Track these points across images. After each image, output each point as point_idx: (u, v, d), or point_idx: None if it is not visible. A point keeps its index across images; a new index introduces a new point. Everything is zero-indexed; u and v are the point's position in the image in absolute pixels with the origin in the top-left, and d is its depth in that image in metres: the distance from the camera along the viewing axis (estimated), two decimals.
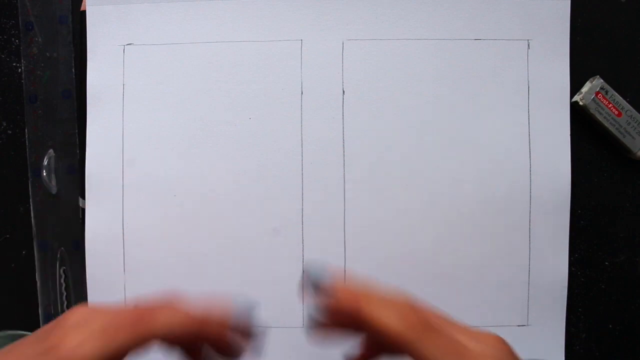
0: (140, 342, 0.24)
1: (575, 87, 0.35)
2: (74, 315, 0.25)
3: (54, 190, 0.37)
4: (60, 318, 0.25)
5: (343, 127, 0.35)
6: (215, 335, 0.26)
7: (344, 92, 0.35)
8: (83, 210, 0.36)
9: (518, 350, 0.35)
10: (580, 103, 0.35)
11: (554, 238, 0.35)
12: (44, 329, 0.25)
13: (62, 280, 0.37)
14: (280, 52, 0.35)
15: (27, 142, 0.37)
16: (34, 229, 0.37)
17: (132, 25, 0.36)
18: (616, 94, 0.35)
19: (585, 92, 0.35)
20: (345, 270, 0.35)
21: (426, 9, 0.35)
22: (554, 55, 0.35)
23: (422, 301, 0.25)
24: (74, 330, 0.24)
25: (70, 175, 0.37)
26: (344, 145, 0.35)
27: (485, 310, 0.35)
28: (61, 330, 0.24)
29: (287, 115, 0.35)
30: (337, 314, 0.24)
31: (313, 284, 0.26)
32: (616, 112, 0.35)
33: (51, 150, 0.37)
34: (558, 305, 0.35)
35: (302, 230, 0.35)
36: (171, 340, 0.25)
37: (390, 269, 0.35)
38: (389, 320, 0.23)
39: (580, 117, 0.35)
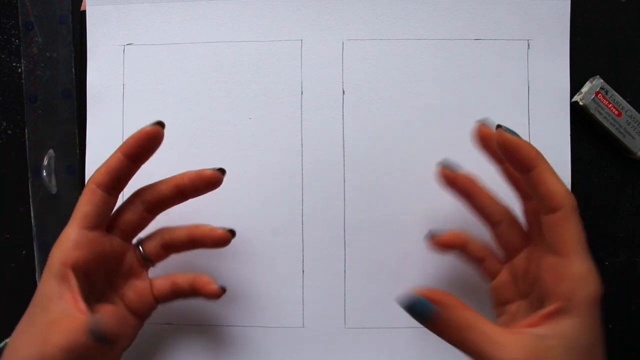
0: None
1: (575, 87, 0.35)
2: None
3: (54, 190, 0.37)
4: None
5: (343, 127, 0.35)
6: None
7: (344, 92, 0.35)
8: None
9: None
10: (580, 103, 0.35)
11: None
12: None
13: None
14: (280, 52, 0.35)
15: (27, 142, 0.37)
16: (34, 229, 0.37)
17: (132, 25, 0.36)
18: (616, 94, 0.35)
19: (585, 92, 0.35)
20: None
21: (426, 9, 0.35)
22: (554, 55, 0.35)
23: None
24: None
25: (70, 175, 0.37)
26: (344, 145, 0.35)
27: (485, 310, 0.35)
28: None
29: (287, 115, 0.35)
30: (512, 153, 0.27)
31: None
32: (616, 112, 0.35)
33: (51, 151, 0.37)
34: None
35: (302, 230, 0.35)
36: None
37: (391, 269, 0.35)
38: (556, 187, 0.26)
39: (580, 117, 0.35)
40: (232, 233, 0.32)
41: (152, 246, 0.32)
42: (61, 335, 0.25)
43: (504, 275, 0.30)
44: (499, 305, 0.31)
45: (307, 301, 0.35)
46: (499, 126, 0.27)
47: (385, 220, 0.35)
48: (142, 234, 0.32)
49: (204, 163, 0.35)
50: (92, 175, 0.28)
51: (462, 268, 0.35)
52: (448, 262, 0.35)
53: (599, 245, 0.36)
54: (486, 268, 0.31)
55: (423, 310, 0.25)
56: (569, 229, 0.26)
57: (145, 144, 0.28)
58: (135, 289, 0.31)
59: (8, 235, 0.37)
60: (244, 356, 0.35)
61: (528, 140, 0.35)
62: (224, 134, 0.35)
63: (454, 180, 0.31)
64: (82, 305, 0.27)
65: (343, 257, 0.35)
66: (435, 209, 0.35)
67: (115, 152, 0.29)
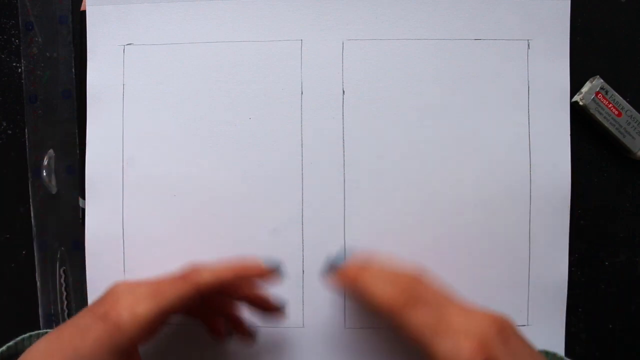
0: (186, 296, 0.27)
1: (575, 87, 0.35)
2: (120, 286, 0.28)
3: (54, 190, 0.37)
4: (108, 290, 0.28)
5: (343, 127, 0.35)
6: (252, 282, 0.30)
7: (344, 92, 0.35)
8: (83, 210, 0.36)
9: None
10: (580, 103, 0.35)
11: (554, 238, 0.35)
12: (95, 302, 0.28)
13: (62, 280, 0.37)
14: (280, 52, 0.35)
15: (27, 142, 0.37)
16: (34, 229, 0.37)
17: (132, 25, 0.36)
18: (616, 94, 0.35)
19: (585, 92, 0.35)
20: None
21: (426, 9, 0.35)
22: (554, 55, 0.35)
23: (431, 276, 0.27)
24: (124, 296, 0.27)
25: (70, 175, 0.37)
26: (344, 145, 0.35)
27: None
28: (112, 297, 0.27)
29: (287, 115, 0.35)
30: (343, 287, 0.27)
31: (330, 266, 0.29)
32: (616, 112, 0.35)
33: (51, 151, 0.37)
34: (558, 305, 0.35)
35: (302, 230, 0.35)
36: (212, 289, 0.28)
37: None
38: (380, 292, 0.25)
39: (580, 117, 0.35)
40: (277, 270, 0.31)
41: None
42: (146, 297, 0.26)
43: None
44: None
45: (307, 301, 0.35)
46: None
47: (385, 221, 0.35)
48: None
49: (204, 163, 0.35)
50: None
51: (462, 268, 0.35)
52: (448, 261, 0.35)
53: (599, 245, 0.36)
54: None
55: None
56: (412, 322, 0.25)
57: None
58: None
59: (8, 235, 0.37)
60: (244, 356, 0.35)
61: (528, 140, 0.35)
62: (224, 134, 0.35)
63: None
64: None
65: (343, 257, 0.35)
66: (435, 209, 0.35)
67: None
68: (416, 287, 0.26)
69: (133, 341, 0.26)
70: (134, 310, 0.26)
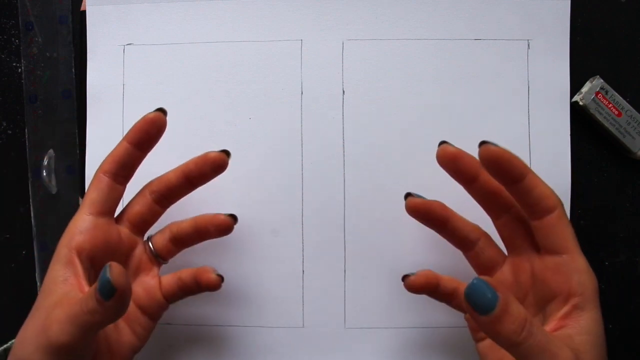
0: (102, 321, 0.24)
1: (575, 87, 0.35)
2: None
3: (54, 190, 0.37)
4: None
5: (343, 127, 0.35)
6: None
7: (344, 92, 0.35)
8: None
9: None
10: (580, 103, 0.35)
11: None
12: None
13: None
14: (280, 52, 0.35)
15: (27, 142, 0.37)
16: (34, 229, 0.37)
17: (132, 25, 0.36)
18: (616, 94, 0.35)
19: (585, 92, 0.35)
20: None
21: (426, 9, 0.35)
22: (554, 55, 0.35)
23: None
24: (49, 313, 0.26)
25: (70, 175, 0.37)
26: (344, 145, 0.35)
27: None
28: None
29: (287, 115, 0.35)
30: (503, 166, 0.26)
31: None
32: (616, 112, 0.35)
33: (51, 151, 0.37)
34: None
35: (302, 230, 0.35)
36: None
37: (391, 269, 0.35)
38: (548, 188, 0.27)
39: (580, 117, 0.35)
40: (233, 218, 0.32)
41: (161, 241, 0.32)
42: (63, 309, 0.25)
43: None
44: None
45: (307, 301, 0.35)
46: (484, 142, 0.27)
47: (385, 220, 0.35)
48: (153, 231, 0.32)
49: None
50: (100, 164, 0.29)
51: (463, 268, 0.35)
52: (448, 261, 0.35)
53: (599, 245, 0.36)
54: (460, 300, 0.31)
55: (486, 301, 0.22)
56: (566, 227, 0.27)
57: (149, 130, 0.29)
58: (144, 286, 0.31)
59: (8, 235, 0.37)
60: (244, 356, 0.35)
61: (528, 140, 0.35)
62: (224, 134, 0.35)
63: (429, 211, 0.30)
64: (85, 287, 0.26)
65: (343, 257, 0.35)
66: None
67: (121, 140, 0.29)
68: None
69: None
70: (50, 336, 0.25)
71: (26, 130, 0.37)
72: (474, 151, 0.35)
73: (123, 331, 0.30)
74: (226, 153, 0.30)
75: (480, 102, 0.35)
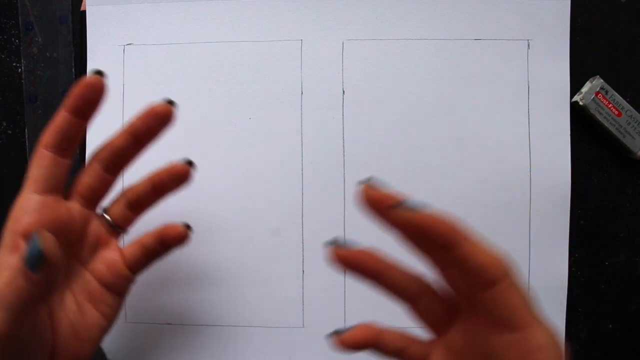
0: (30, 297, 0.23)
1: (575, 87, 0.35)
2: None
3: None
4: None
5: (343, 127, 0.35)
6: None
7: (344, 92, 0.35)
8: None
9: None
10: (580, 103, 0.35)
11: (554, 238, 0.35)
12: None
13: None
14: (280, 52, 0.35)
15: (27, 142, 0.37)
16: None
17: (132, 25, 0.36)
18: (616, 94, 0.35)
19: (585, 92, 0.35)
20: None
21: (426, 9, 0.35)
22: (554, 55, 0.35)
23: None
24: None
25: (70, 176, 0.37)
26: (344, 145, 0.35)
27: None
28: None
29: (287, 115, 0.35)
30: (430, 233, 0.22)
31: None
32: (616, 112, 0.35)
33: None
34: (558, 305, 0.35)
35: (302, 230, 0.35)
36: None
37: None
38: (484, 253, 0.22)
39: (580, 117, 0.35)
40: (190, 164, 0.29)
41: (117, 210, 0.29)
42: None
43: (438, 357, 0.25)
44: None
45: (307, 301, 0.35)
46: (397, 204, 0.22)
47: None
48: (106, 203, 0.30)
49: (204, 163, 0.35)
50: (39, 138, 0.26)
51: None
52: None
53: (599, 245, 0.36)
54: (410, 356, 0.26)
55: None
56: (515, 300, 0.22)
57: (86, 95, 0.26)
58: (105, 261, 0.29)
59: None
60: (244, 356, 0.35)
61: (528, 140, 0.35)
62: (224, 134, 0.35)
63: (357, 263, 0.25)
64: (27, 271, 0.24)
65: None
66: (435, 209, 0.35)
67: (59, 110, 0.26)
68: (512, 268, 0.23)
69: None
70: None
71: (26, 130, 0.37)
72: (473, 151, 0.35)
73: (88, 313, 0.28)
74: (171, 103, 0.28)
75: (480, 102, 0.35)
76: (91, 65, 0.36)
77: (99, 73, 0.26)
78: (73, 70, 0.37)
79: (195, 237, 0.35)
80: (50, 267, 0.22)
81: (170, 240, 0.29)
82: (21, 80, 0.37)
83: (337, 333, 0.26)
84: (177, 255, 0.34)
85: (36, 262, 0.21)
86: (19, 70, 0.37)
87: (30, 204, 0.26)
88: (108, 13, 0.36)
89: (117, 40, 0.36)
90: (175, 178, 0.29)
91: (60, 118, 0.26)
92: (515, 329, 0.22)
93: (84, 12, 0.36)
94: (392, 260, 0.25)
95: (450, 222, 0.22)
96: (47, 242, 0.21)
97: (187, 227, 0.29)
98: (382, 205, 0.23)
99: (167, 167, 0.29)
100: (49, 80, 0.37)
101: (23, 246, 0.24)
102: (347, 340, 0.25)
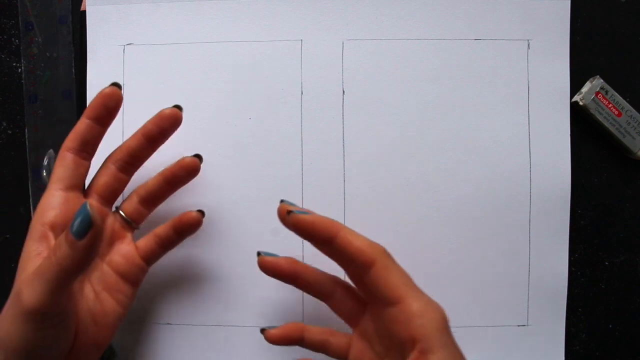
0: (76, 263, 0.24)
1: (575, 87, 0.35)
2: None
3: None
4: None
5: (343, 127, 0.35)
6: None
7: (344, 92, 0.35)
8: None
9: (518, 350, 0.35)
10: (580, 103, 0.35)
11: (554, 238, 0.35)
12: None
13: None
14: (280, 52, 0.35)
15: (27, 142, 0.37)
16: None
17: (132, 25, 0.36)
18: (616, 94, 0.35)
19: (585, 92, 0.35)
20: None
21: (426, 9, 0.35)
22: (554, 55, 0.35)
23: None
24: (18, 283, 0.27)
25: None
26: (344, 145, 0.35)
27: (485, 310, 0.35)
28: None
29: (287, 115, 0.35)
30: (308, 232, 0.28)
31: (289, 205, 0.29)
32: (616, 112, 0.35)
33: (51, 150, 0.37)
34: (558, 305, 0.35)
35: None
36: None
37: None
38: (358, 241, 0.27)
39: (580, 117, 0.35)
40: (199, 157, 0.32)
41: (130, 206, 0.32)
42: (32, 271, 0.25)
43: (357, 345, 0.30)
44: None
45: (307, 301, 0.35)
46: (289, 212, 0.28)
47: (385, 220, 0.35)
48: (119, 202, 0.33)
49: (203, 163, 0.35)
50: (64, 142, 0.30)
51: (462, 268, 0.35)
52: (448, 261, 0.35)
53: (599, 245, 0.36)
54: (335, 349, 0.30)
55: None
56: (390, 276, 0.27)
57: (106, 104, 0.29)
58: (122, 253, 0.31)
59: (8, 235, 0.37)
60: (244, 356, 0.35)
61: (528, 140, 0.35)
62: (224, 134, 0.35)
63: (276, 268, 0.30)
64: None
65: None
66: (435, 209, 0.35)
67: (81, 117, 0.30)
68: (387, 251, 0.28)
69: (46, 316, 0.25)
70: (22, 301, 0.24)
71: (26, 130, 0.37)
72: (473, 151, 0.36)
73: (106, 301, 0.30)
74: (179, 107, 0.31)
75: (480, 102, 0.35)
76: (91, 65, 0.36)
77: (116, 85, 0.30)
78: (73, 70, 0.37)
79: (195, 237, 0.35)
80: (97, 234, 0.23)
81: (186, 225, 0.32)
82: (21, 80, 0.37)
83: (266, 329, 0.31)
84: (177, 256, 0.34)
85: (84, 228, 0.23)
86: (19, 70, 0.37)
87: (54, 200, 0.29)
88: (108, 13, 0.36)
89: (117, 40, 0.36)
90: (185, 171, 0.32)
91: (82, 124, 0.30)
92: (395, 302, 0.26)
93: (84, 12, 0.36)
94: (307, 265, 0.30)
95: (328, 220, 0.28)
96: (95, 210, 0.23)
97: (201, 212, 0.32)
98: (282, 214, 0.29)
99: (178, 162, 0.32)
100: (49, 80, 0.37)
101: (50, 236, 0.28)
102: (273, 336, 0.30)
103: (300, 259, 0.35)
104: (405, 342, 0.26)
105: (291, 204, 0.29)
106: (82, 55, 0.36)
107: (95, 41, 0.36)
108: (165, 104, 0.35)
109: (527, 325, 0.35)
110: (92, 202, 0.24)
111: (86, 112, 0.30)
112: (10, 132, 0.37)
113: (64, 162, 0.29)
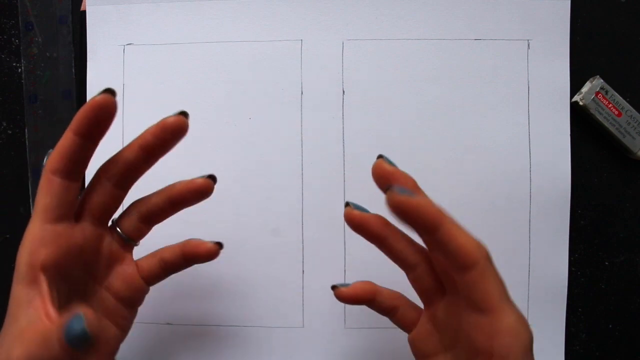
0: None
1: (575, 87, 0.35)
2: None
3: None
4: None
5: (343, 127, 0.35)
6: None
7: (344, 92, 0.35)
8: None
9: None
10: (580, 103, 0.35)
11: (554, 238, 0.35)
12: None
13: None
14: (280, 52, 0.35)
15: (27, 142, 0.37)
16: None
17: (132, 25, 0.36)
18: (616, 94, 0.35)
19: (585, 92, 0.35)
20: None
21: (426, 9, 0.35)
22: (554, 55, 0.35)
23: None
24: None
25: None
26: (344, 145, 0.35)
27: None
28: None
29: (287, 115, 0.35)
30: (411, 216, 0.24)
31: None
32: (616, 112, 0.35)
33: (51, 150, 0.37)
34: (558, 305, 0.35)
35: (302, 230, 0.35)
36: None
37: (390, 269, 0.35)
38: (464, 238, 0.24)
39: (580, 117, 0.35)
40: (212, 179, 0.28)
41: (130, 224, 0.28)
42: (24, 346, 0.23)
43: (423, 326, 0.28)
44: (420, 359, 0.28)
45: (307, 301, 0.35)
46: (389, 188, 0.24)
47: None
48: (116, 215, 0.29)
49: (204, 163, 0.35)
50: (47, 162, 0.25)
51: None
52: None
53: (599, 245, 0.36)
54: (401, 318, 0.28)
55: None
56: (489, 284, 0.24)
57: (96, 116, 0.24)
58: (121, 276, 0.28)
59: (8, 235, 0.37)
60: (244, 356, 0.35)
61: (528, 140, 0.35)
62: (224, 134, 0.35)
63: (364, 224, 0.27)
64: (51, 311, 0.24)
65: (343, 257, 0.35)
66: None
67: (66, 131, 0.25)
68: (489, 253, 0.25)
69: None
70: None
71: (26, 130, 0.37)
72: (473, 151, 0.35)
73: (107, 328, 0.28)
74: (183, 114, 0.26)
75: (480, 102, 0.35)
76: (91, 65, 0.36)
77: (110, 91, 0.24)
78: (73, 70, 0.37)
79: (194, 237, 0.35)
80: (93, 344, 0.21)
81: (198, 257, 0.29)
82: (21, 80, 0.37)
83: (336, 287, 0.28)
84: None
85: (81, 343, 0.21)
86: (19, 70, 0.37)
87: (44, 235, 0.25)
88: (108, 13, 0.36)
89: (117, 40, 0.36)
90: (196, 194, 0.28)
91: (68, 141, 0.24)
92: (486, 312, 0.24)
93: (84, 12, 0.36)
94: (397, 229, 0.27)
95: (434, 207, 0.24)
96: (92, 322, 0.21)
97: (219, 245, 0.29)
98: (382, 183, 0.26)
99: (187, 183, 0.28)
100: (49, 80, 0.37)
101: (42, 279, 0.24)
102: (345, 293, 0.28)
103: (300, 264, 0.35)
104: (480, 352, 0.24)
105: (390, 162, 0.27)
106: (82, 55, 0.36)
107: (95, 41, 0.36)
108: (165, 104, 0.35)
109: None
110: (87, 311, 0.21)
111: (73, 125, 0.24)
112: (10, 132, 0.37)
113: (50, 188, 0.24)
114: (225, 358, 0.35)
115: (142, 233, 0.29)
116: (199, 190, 0.28)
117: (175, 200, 0.28)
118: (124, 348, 0.35)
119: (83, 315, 0.21)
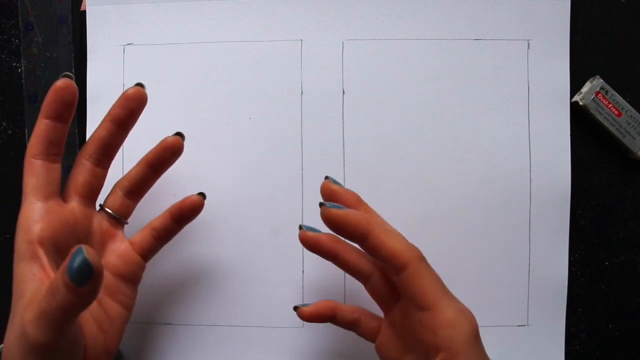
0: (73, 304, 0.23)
1: (575, 87, 0.35)
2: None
3: None
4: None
5: (343, 127, 0.35)
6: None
7: (344, 92, 0.35)
8: None
9: (518, 350, 0.35)
10: (580, 103, 0.35)
11: (554, 238, 0.35)
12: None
13: None
14: (280, 52, 0.35)
15: (27, 142, 0.37)
16: None
17: (132, 25, 0.36)
18: (616, 94, 0.35)
19: (585, 92, 0.35)
20: None
21: (426, 9, 0.35)
22: (554, 55, 0.35)
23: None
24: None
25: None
26: (344, 145, 0.35)
27: (485, 310, 0.35)
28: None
29: (287, 115, 0.35)
30: (341, 228, 0.27)
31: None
32: (616, 112, 0.35)
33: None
34: (558, 305, 0.35)
35: None
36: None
37: None
38: (394, 241, 0.26)
39: (580, 117, 0.35)
40: (181, 136, 0.31)
41: (116, 201, 0.31)
42: (32, 309, 0.23)
43: (385, 332, 0.30)
44: None
45: (307, 301, 0.35)
46: (321, 204, 0.27)
47: (385, 220, 0.35)
48: (101, 200, 0.31)
49: (204, 163, 0.35)
50: (27, 148, 0.27)
51: (462, 268, 0.35)
52: (448, 261, 0.35)
53: (599, 245, 0.36)
54: (364, 329, 0.30)
55: None
56: (424, 282, 0.26)
57: (63, 98, 0.27)
58: (116, 252, 0.30)
59: (8, 235, 0.37)
60: (244, 356, 0.35)
61: (528, 140, 0.35)
62: (224, 134, 0.35)
63: (317, 243, 0.29)
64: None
65: None
66: (434, 209, 0.35)
67: (39, 118, 0.27)
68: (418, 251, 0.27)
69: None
70: (28, 338, 0.24)
71: (26, 130, 0.37)
72: (473, 151, 0.36)
73: (110, 307, 0.29)
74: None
75: (480, 102, 0.35)
76: (91, 65, 0.36)
77: (68, 76, 0.27)
78: (73, 70, 0.37)
79: (194, 237, 0.35)
80: (99, 279, 0.22)
81: (187, 211, 0.31)
82: (21, 80, 0.37)
83: (299, 307, 0.31)
84: (177, 256, 0.34)
85: (85, 276, 0.21)
86: (19, 70, 0.37)
87: (36, 212, 0.27)
88: (108, 13, 0.36)
89: (117, 40, 0.36)
90: (170, 151, 0.30)
91: (41, 126, 0.27)
92: (426, 309, 0.26)
93: (84, 12, 0.36)
94: (348, 244, 0.29)
95: (361, 217, 0.27)
96: (93, 254, 0.21)
97: (202, 195, 0.31)
98: (329, 200, 0.29)
99: (160, 143, 0.30)
100: (49, 80, 0.37)
101: (41, 253, 0.26)
102: (306, 312, 0.30)
103: (300, 264, 0.35)
104: (429, 348, 0.25)
105: (335, 182, 0.30)
106: (82, 55, 0.36)
107: (95, 41, 0.36)
108: (165, 104, 0.35)
109: (527, 325, 0.35)
110: (86, 246, 0.21)
111: (43, 111, 0.27)
112: (10, 132, 0.37)
113: (34, 171, 0.27)
114: (225, 358, 0.35)
115: (129, 209, 0.31)
116: (171, 148, 0.30)
117: (152, 163, 0.30)
118: (124, 348, 0.35)
119: (83, 248, 0.21)
